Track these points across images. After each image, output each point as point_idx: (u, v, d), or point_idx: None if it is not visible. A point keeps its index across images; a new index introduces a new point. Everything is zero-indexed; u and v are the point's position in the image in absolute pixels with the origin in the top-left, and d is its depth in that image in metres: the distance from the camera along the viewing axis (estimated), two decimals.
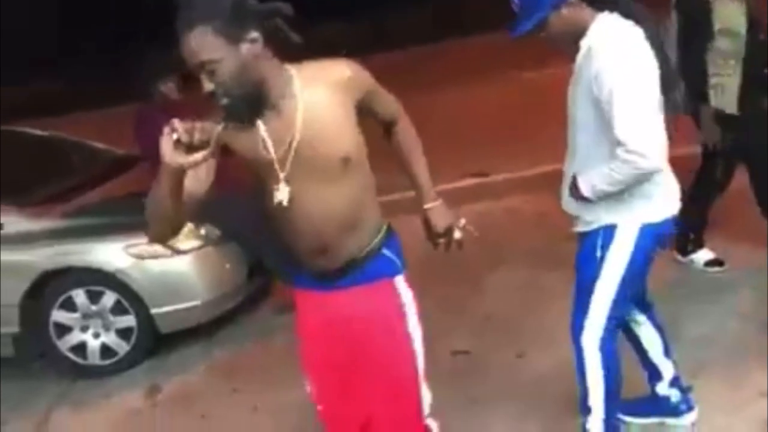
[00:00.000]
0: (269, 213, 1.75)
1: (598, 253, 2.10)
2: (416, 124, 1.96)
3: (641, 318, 2.36)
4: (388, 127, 1.91)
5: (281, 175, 1.68)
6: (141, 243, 3.54)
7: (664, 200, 2.10)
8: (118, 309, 3.61)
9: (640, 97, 1.90)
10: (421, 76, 7.37)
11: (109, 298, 3.59)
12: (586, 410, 2.22)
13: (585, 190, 2.03)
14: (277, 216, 1.73)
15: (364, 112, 1.74)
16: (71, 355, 3.66)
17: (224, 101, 1.60)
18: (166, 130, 1.47)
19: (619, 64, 1.91)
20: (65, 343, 3.65)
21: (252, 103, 1.63)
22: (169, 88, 3.69)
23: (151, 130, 3.54)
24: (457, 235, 1.97)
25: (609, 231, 2.08)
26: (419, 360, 1.83)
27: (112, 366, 3.66)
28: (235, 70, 1.57)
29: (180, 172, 1.54)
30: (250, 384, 3.34)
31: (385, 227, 1.82)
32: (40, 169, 4.27)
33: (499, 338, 3.20)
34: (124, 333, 3.64)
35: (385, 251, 1.79)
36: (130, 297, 3.57)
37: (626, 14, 2.00)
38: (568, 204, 2.16)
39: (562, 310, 2.33)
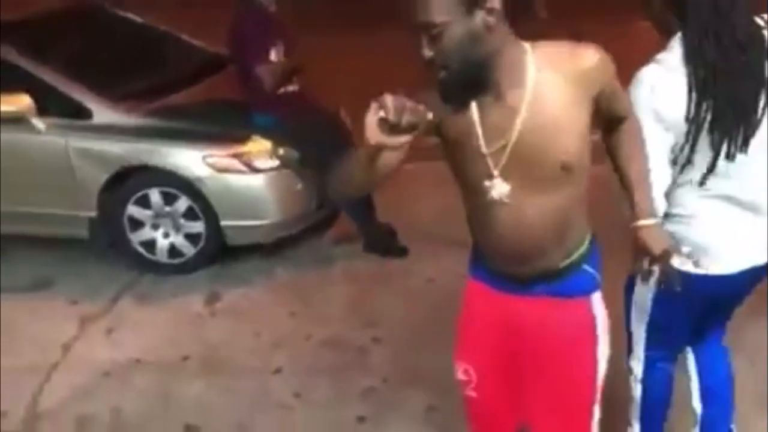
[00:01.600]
0: (467, 201, 1.62)
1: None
2: None
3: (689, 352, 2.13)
4: (614, 125, 1.64)
5: (495, 171, 1.49)
6: (219, 154, 3.60)
7: (708, 252, 1.82)
8: (190, 214, 3.69)
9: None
10: None
11: (183, 203, 3.68)
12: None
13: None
14: (477, 209, 1.59)
15: (598, 108, 1.51)
16: (141, 249, 3.80)
17: (442, 74, 1.40)
18: (374, 105, 1.30)
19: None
20: (137, 237, 3.78)
21: (472, 82, 1.43)
22: (268, 1, 3.60)
23: (243, 39, 3.57)
24: (676, 262, 1.71)
25: None
26: (600, 383, 1.68)
27: (178, 266, 3.80)
28: (461, 40, 1.37)
29: (379, 150, 1.37)
30: (306, 310, 3.43)
31: (588, 238, 1.62)
32: (131, 58, 4.30)
33: None
34: (192, 237, 3.75)
35: (586, 266, 1.61)
36: (202, 204, 3.64)
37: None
38: None
39: None
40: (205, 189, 3.60)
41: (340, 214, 4.05)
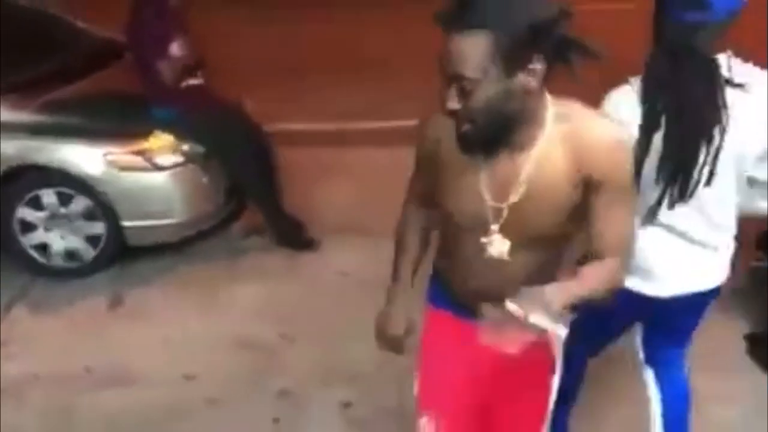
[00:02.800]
0: (446, 235, 1.59)
1: None
2: None
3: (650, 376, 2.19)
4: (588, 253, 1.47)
5: (494, 226, 1.45)
6: (119, 151, 3.43)
7: (650, 275, 1.89)
8: (88, 214, 3.50)
9: None
10: None
11: (80, 203, 3.48)
12: None
13: None
14: (458, 249, 1.55)
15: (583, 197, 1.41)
16: (34, 253, 3.57)
17: (466, 127, 1.34)
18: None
19: None
20: (28, 240, 3.55)
21: (498, 138, 1.38)
22: None
23: (143, 31, 3.39)
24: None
25: None
26: (551, 407, 1.72)
27: (76, 270, 3.60)
28: (495, 99, 1.29)
29: None
30: (216, 309, 3.35)
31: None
32: (15, 46, 3.98)
33: None
34: (91, 239, 3.56)
35: None
36: (101, 205, 3.46)
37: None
38: None
39: None
40: (104, 188, 3.42)
41: (247, 205, 3.97)
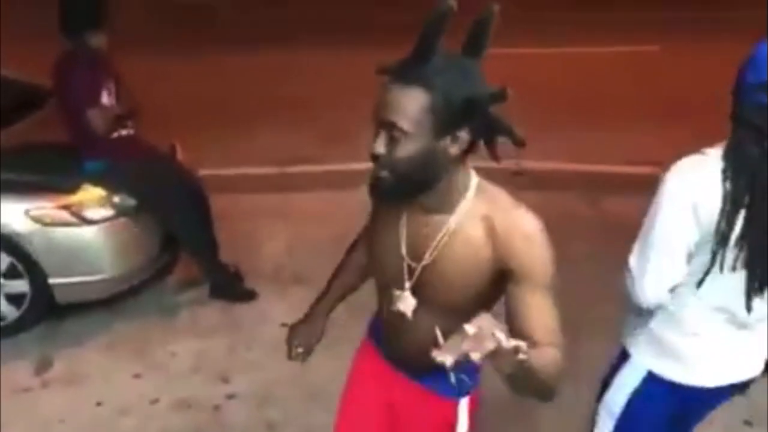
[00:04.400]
0: (376, 283, 1.64)
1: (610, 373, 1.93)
2: None
3: None
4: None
5: (407, 283, 1.49)
6: (45, 206, 3.29)
7: (694, 363, 1.77)
8: (11, 272, 3.32)
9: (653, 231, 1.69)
10: None
11: (2, 261, 3.30)
12: None
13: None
14: (381, 299, 1.61)
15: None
16: None
17: (383, 173, 1.37)
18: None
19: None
20: None
21: (410, 193, 1.42)
22: (99, 40, 3.33)
23: (72, 79, 3.27)
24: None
25: (623, 355, 1.90)
26: None
27: None
28: (418, 155, 1.33)
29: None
30: (152, 370, 3.22)
31: None
32: None
33: None
34: (14, 298, 3.37)
35: (463, 374, 1.59)
36: (26, 262, 3.29)
37: None
38: None
39: None
40: (28, 245, 3.25)
41: (180, 257, 3.87)
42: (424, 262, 1.46)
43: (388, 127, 1.34)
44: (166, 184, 3.61)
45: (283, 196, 4.71)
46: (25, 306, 3.38)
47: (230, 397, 3.05)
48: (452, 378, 1.42)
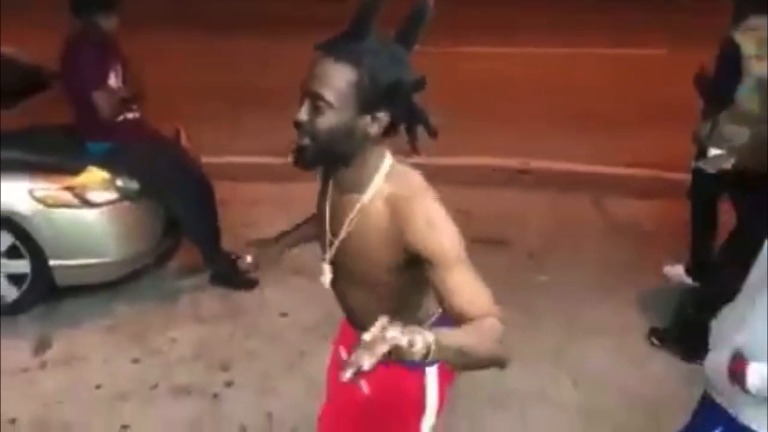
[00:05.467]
0: None
1: None
2: None
3: None
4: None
5: (326, 255, 1.59)
6: (48, 187, 3.27)
7: None
8: (12, 252, 3.31)
9: None
10: None
11: (4, 240, 3.28)
12: None
13: (754, 380, 1.56)
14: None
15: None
16: None
17: (304, 141, 1.42)
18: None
19: None
20: None
21: (327, 163, 1.50)
22: (110, 23, 3.30)
23: (79, 61, 3.25)
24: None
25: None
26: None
27: None
28: (337, 129, 1.39)
29: None
30: (151, 355, 3.22)
31: (434, 317, 1.62)
32: None
33: None
34: (15, 278, 3.36)
35: None
36: (27, 242, 3.28)
37: None
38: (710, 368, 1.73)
39: None
40: (30, 226, 3.24)
41: (182, 243, 3.85)
42: (340, 237, 1.54)
43: (313, 97, 1.39)
44: (170, 169, 3.59)
45: (283, 185, 4.69)
46: (24, 287, 3.37)
47: (229, 384, 3.05)
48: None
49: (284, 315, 3.53)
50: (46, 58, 3.80)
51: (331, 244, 1.57)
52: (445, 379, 1.70)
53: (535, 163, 5.01)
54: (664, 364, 3.16)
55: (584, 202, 4.68)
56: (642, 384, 3.03)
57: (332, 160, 1.47)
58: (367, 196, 1.47)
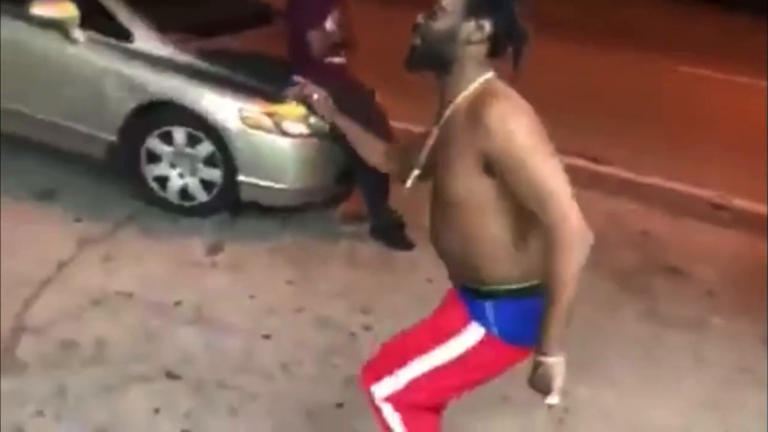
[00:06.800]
0: None
1: None
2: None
3: None
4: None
5: (418, 161, 1.70)
6: (253, 108, 3.57)
7: None
8: (210, 160, 3.67)
9: None
10: None
11: (205, 148, 3.64)
12: None
13: None
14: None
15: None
16: (153, 184, 3.77)
17: (416, 42, 1.59)
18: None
19: None
20: (151, 171, 3.75)
21: (431, 66, 1.62)
22: None
23: (303, 3, 3.51)
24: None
25: None
26: (430, 359, 1.76)
27: (186, 209, 3.78)
28: (444, 31, 1.56)
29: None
30: (304, 282, 3.43)
31: (507, 288, 1.62)
32: None
33: None
34: (207, 184, 3.72)
35: (488, 308, 1.65)
36: (225, 155, 3.61)
37: None
38: None
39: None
40: (230, 140, 3.56)
41: (353, 191, 4.04)
42: (430, 140, 1.66)
43: (434, 2, 1.57)
44: (360, 120, 3.75)
45: None
46: (213, 194, 3.72)
47: (367, 328, 3.17)
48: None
49: (430, 281, 3.57)
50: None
51: (425, 149, 1.68)
52: (486, 348, 1.69)
53: (735, 201, 4.66)
54: None
55: None
56: None
57: (435, 63, 1.59)
58: (458, 99, 1.57)
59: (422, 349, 1.77)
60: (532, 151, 1.44)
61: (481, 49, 1.56)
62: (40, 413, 2.42)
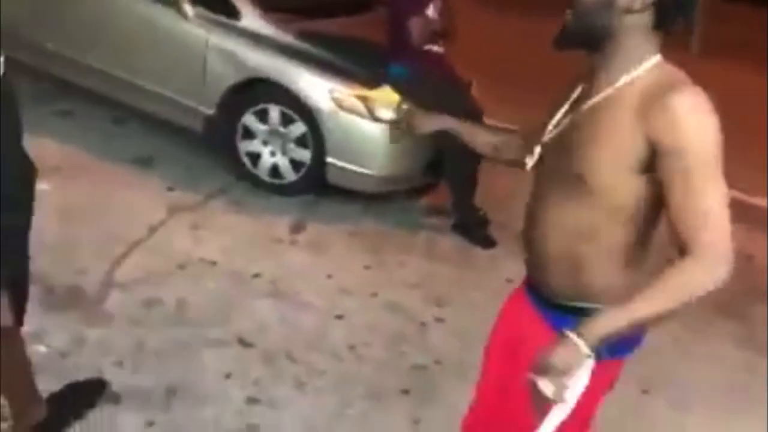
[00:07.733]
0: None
1: None
2: None
3: None
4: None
5: (543, 138, 1.49)
6: (346, 91, 3.59)
7: None
8: (301, 141, 3.72)
9: None
10: None
11: (298, 128, 3.70)
12: None
13: None
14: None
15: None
16: (245, 159, 3.87)
17: (569, 16, 1.39)
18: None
19: None
20: (245, 147, 3.85)
21: (584, 44, 1.41)
22: None
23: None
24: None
25: None
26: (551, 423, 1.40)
27: (275, 186, 3.86)
28: (596, 4, 1.34)
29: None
30: (381, 268, 3.42)
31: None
32: None
33: None
34: (296, 164, 3.79)
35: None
36: (316, 136, 3.66)
37: None
38: None
39: None
40: (322, 122, 3.61)
41: (438, 184, 4.00)
42: (565, 121, 1.45)
43: None
44: (455, 112, 3.70)
45: None
46: (301, 173, 3.78)
47: (439, 320, 3.13)
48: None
49: (510, 281, 3.45)
50: None
51: (553, 127, 1.48)
52: (602, 381, 1.47)
53: None
54: None
55: None
56: None
57: (588, 37, 1.38)
58: (618, 84, 1.35)
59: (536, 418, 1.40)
60: (712, 158, 1.26)
61: (643, 19, 1.33)
62: (119, 364, 2.53)
